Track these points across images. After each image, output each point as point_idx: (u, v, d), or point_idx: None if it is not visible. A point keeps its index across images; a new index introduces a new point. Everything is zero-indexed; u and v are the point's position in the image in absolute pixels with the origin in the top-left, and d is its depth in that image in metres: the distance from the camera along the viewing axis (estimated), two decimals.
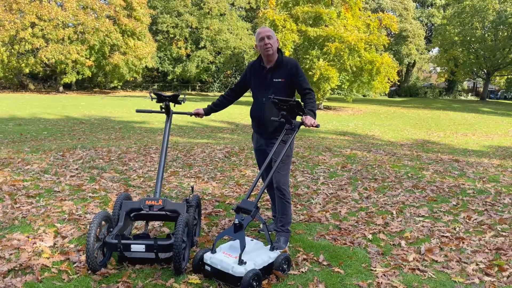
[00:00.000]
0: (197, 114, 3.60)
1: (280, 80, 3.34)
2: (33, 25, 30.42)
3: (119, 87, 39.79)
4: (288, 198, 3.43)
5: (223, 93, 3.74)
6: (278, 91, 3.29)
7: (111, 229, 2.95)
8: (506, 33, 37.78)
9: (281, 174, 3.37)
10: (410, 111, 25.82)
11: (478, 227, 4.05)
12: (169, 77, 44.28)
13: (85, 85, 42.40)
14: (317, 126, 3.11)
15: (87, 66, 33.18)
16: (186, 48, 42.74)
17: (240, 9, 46.74)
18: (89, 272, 2.80)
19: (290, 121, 3.18)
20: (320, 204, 4.64)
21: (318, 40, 23.24)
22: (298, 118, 3.23)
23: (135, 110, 3.73)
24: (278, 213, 3.48)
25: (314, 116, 3.17)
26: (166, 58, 43.12)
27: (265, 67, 3.40)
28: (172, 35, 42.35)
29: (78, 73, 33.88)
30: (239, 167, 6.52)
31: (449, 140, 13.04)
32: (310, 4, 24.15)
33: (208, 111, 3.63)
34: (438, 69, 48.15)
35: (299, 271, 2.96)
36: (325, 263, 3.12)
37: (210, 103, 3.68)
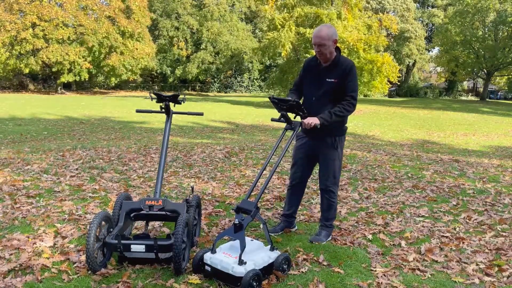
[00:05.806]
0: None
1: (333, 80, 3.29)
2: (33, 25, 30.41)
3: (114, 84, 39.62)
4: (334, 198, 3.55)
5: (292, 88, 3.62)
6: (329, 91, 3.28)
7: (111, 229, 2.95)
8: (506, 33, 37.78)
9: (330, 176, 3.49)
10: (410, 111, 25.79)
11: (478, 227, 4.05)
12: (170, 79, 44.31)
13: (84, 85, 42.38)
14: (316, 126, 3.10)
15: (85, 67, 33.14)
16: (186, 49, 42.77)
17: (241, 10, 46.74)
18: (89, 272, 2.80)
19: (290, 121, 3.19)
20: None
21: None
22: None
23: (135, 110, 3.73)
24: (323, 209, 3.59)
25: (327, 118, 3.17)
26: (166, 60, 43.11)
27: (321, 64, 3.36)
28: (175, 38, 42.37)
29: (75, 74, 33.82)
30: (239, 167, 6.51)
31: (449, 140, 13.03)
32: (310, 6, 24.15)
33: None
34: (439, 69, 48.14)
35: (299, 271, 2.95)
36: (325, 263, 3.12)
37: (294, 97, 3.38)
